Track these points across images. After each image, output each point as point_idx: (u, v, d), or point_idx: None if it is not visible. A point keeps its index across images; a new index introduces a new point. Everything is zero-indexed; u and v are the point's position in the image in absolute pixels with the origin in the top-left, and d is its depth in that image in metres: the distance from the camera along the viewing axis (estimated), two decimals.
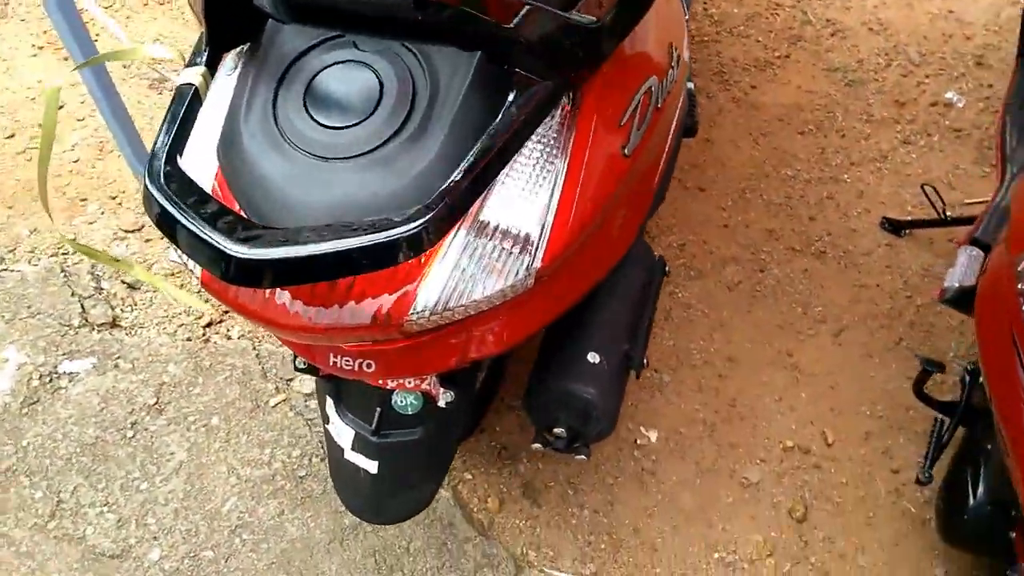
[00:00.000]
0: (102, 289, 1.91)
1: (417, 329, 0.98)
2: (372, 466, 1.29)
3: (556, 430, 1.32)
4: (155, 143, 0.87)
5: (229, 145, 0.98)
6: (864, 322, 2.02)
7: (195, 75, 0.92)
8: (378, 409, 1.26)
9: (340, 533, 1.66)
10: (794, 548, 1.72)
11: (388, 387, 1.22)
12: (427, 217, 0.79)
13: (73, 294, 1.88)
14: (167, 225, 0.80)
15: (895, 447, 1.84)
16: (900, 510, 1.77)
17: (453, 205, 0.81)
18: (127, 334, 1.85)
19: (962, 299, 1.60)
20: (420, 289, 0.94)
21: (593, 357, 1.35)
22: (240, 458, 1.74)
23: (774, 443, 1.84)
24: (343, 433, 1.29)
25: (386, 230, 0.78)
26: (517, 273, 0.97)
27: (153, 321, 1.88)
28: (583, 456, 1.36)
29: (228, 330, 1.87)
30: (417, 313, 0.94)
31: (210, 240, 0.77)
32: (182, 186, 0.82)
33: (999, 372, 1.31)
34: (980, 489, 1.51)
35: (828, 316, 2.03)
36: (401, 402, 1.26)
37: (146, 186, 0.82)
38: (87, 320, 1.85)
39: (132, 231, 2.05)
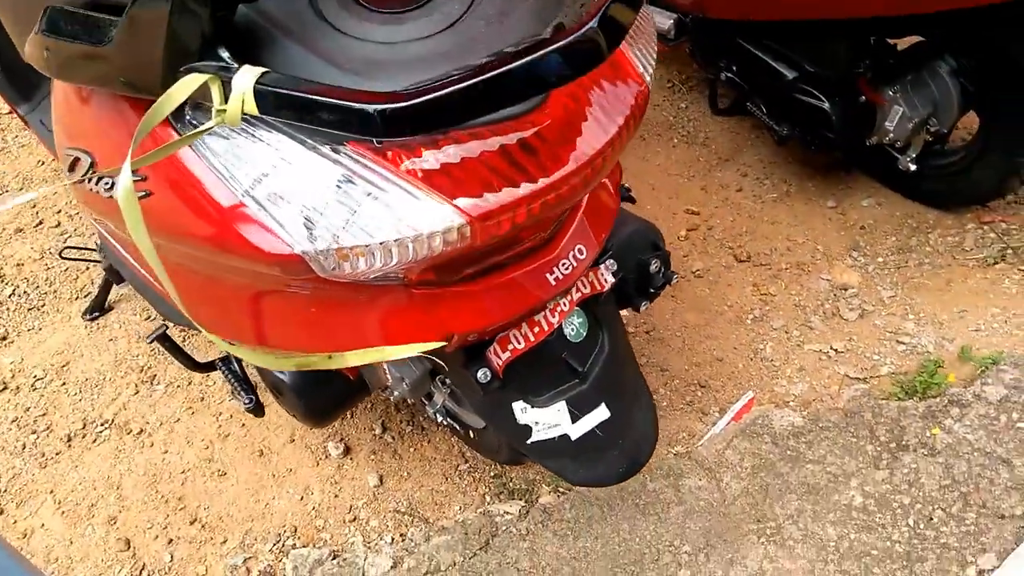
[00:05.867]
0: None
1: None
2: (602, 412, 1.19)
3: (652, 266, 1.32)
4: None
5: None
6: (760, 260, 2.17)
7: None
8: (563, 354, 1.18)
9: None
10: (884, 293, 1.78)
11: (555, 324, 1.15)
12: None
13: None
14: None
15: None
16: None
17: None
18: None
19: (680, 30, 2.02)
20: None
21: None
22: None
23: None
24: (556, 417, 1.17)
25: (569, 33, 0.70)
26: None
27: None
28: (676, 277, 1.37)
29: None
30: None
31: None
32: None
33: None
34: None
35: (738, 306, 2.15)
36: (572, 331, 1.19)
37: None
38: None
39: None
